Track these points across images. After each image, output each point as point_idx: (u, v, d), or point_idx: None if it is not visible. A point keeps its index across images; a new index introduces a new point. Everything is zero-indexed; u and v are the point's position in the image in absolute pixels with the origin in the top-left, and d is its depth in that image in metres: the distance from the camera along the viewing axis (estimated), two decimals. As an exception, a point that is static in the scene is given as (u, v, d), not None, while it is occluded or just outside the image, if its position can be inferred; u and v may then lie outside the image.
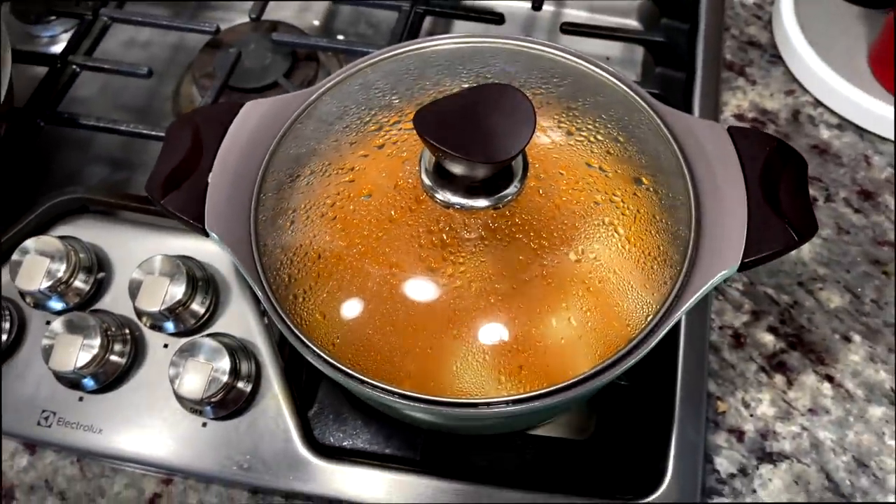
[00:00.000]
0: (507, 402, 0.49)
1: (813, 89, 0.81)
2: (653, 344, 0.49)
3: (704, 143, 0.55)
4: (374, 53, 0.61)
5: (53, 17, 0.90)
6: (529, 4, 0.83)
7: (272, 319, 0.51)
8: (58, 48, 0.90)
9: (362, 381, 0.48)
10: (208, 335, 0.62)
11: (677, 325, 0.62)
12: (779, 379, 0.65)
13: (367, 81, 0.61)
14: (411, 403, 0.48)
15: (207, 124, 0.56)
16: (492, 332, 0.57)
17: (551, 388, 0.49)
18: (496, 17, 0.80)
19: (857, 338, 0.66)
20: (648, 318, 0.56)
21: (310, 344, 0.49)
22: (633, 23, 0.91)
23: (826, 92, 0.80)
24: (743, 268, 0.49)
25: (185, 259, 0.64)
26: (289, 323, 0.50)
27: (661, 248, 0.60)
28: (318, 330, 0.57)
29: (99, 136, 0.79)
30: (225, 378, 0.58)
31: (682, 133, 0.56)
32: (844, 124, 0.79)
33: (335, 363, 0.48)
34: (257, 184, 0.56)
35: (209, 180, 0.54)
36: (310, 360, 0.49)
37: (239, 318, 0.65)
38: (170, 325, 0.63)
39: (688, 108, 0.78)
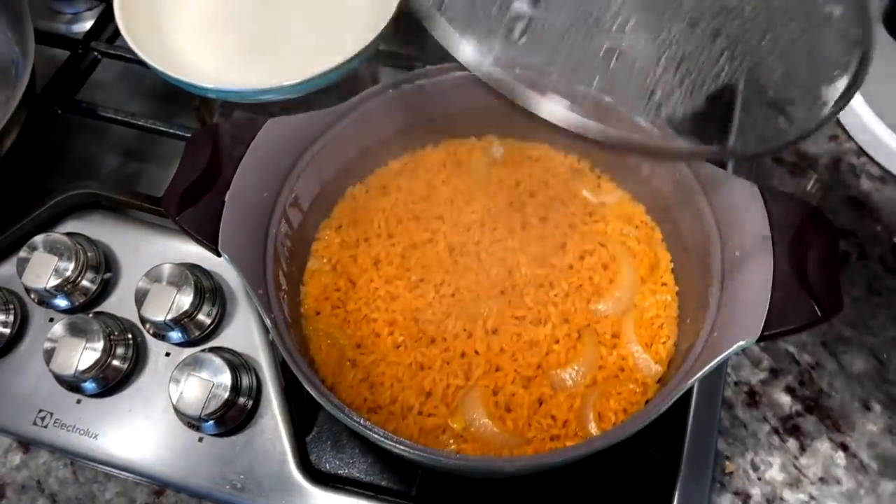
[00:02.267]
0: (515, 462, 0.50)
1: (857, 137, 0.81)
2: (663, 409, 0.50)
3: (736, 201, 0.56)
4: (399, 78, 0.63)
5: (78, -6, 0.92)
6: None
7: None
8: (80, 26, 0.92)
9: (372, 431, 0.49)
10: (211, 349, 0.64)
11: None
12: (792, 443, 0.66)
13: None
14: (418, 454, 0.49)
15: (228, 139, 0.58)
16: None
17: (560, 449, 0.51)
18: (533, 36, 0.81)
19: (877, 407, 0.67)
20: (660, 381, 0.58)
21: (327, 395, 0.51)
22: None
23: (871, 141, 0.80)
24: (762, 339, 0.50)
25: (193, 267, 0.66)
26: (298, 363, 0.51)
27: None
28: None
29: (115, 125, 0.81)
30: (225, 395, 0.60)
31: (714, 188, 0.57)
32: (887, 177, 0.79)
33: (349, 415, 0.50)
34: (278, 208, 0.58)
35: (226, 199, 0.55)
36: (321, 402, 0.50)
37: (243, 332, 0.67)
38: (174, 335, 0.65)
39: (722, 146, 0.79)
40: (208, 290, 0.66)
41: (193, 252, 0.68)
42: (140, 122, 0.76)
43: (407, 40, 0.81)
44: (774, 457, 0.65)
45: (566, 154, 0.70)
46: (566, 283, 0.63)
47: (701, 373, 0.50)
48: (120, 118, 0.76)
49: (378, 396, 0.58)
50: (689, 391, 0.64)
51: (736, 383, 0.68)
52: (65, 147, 0.82)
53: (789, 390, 0.68)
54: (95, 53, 0.81)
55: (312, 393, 0.51)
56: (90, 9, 0.93)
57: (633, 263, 0.64)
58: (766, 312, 0.50)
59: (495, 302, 0.62)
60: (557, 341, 0.60)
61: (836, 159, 0.81)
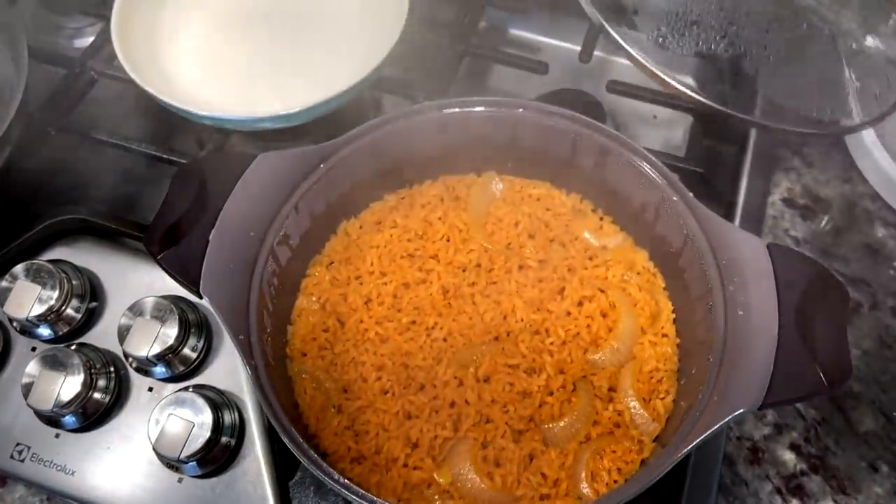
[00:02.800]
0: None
1: (873, 181, 0.79)
2: (658, 477, 0.48)
3: (742, 257, 0.53)
4: (394, 114, 0.61)
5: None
6: (578, 49, 0.81)
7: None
8: (81, 41, 0.91)
9: (350, 491, 0.47)
10: (194, 387, 0.62)
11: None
12: (794, 504, 0.63)
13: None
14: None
15: (215, 174, 0.56)
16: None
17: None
18: (540, 67, 0.79)
19: (884, 468, 0.64)
20: (657, 439, 0.55)
21: (305, 450, 0.49)
22: (688, 80, 0.88)
23: (887, 186, 0.77)
24: (763, 408, 0.48)
25: (178, 300, 0.64)
26: (278, 415, 0.49)
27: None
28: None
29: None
30: (207, 434, 0.58)
31: (720, 241, 0.55)
32: (903, 224, 0.77)
33: (328, 472, 0.48)
34: (265, 247, 0.56)
35: (210, 238, 0.53)
36: (298, 457, 0.48)
37: (229, 367, 0.65)
38: (157, 370, 0.63)
39: (734, 189, 0.76)
40: (194, 323, 0.64)
41: (181, 283, 0.66)
42: (134, 147, 0.75)
43: (410, 67, 0.79)
44: (776, 518, 0.62)
45: (568, 193, 0.67)
46: (563, 331, 0.60)
47: (698, 440, 0.48)
48: (113, 141, 0.75)
49: (362, 446, 0.56)
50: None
51: (738, 438, 0.66)
52: (59, 167, 0.80)
53: (794, 447, 0.65)
54: (92, 73, 0.79)
55: (290, 447, 0.49)
56: (92, 24, 0.91)
57: (634, 312, 0.61)
58: (769, 380, 0.48)
59: (488, 348, 0.59)
60: (551, 393, 0.58)
61: (850, 203, 0.78)
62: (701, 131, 0.79)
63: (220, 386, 0.63)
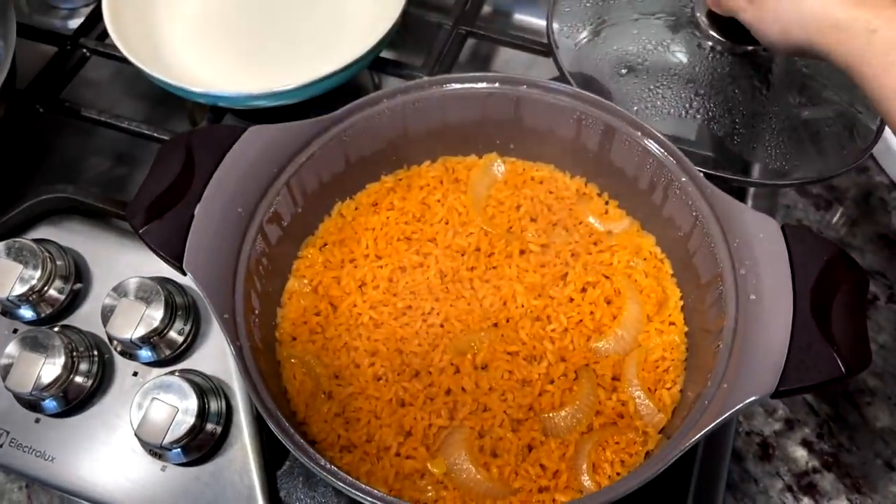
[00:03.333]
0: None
1: (890, 170, 0.76)
2: (663, 468, 0.45)
3: (754, 238, 0.51)
4: (393, 89, 0.59)
5: (75, -10, 0.89)
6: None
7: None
8: (76, 22, 0.88)
9: (336, 478, 0.44)
10: (180, 371, 0.60)
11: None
12: (806, 502, 0.60)
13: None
14: None
15: (203, 148, 0.54)
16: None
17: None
18: (543, 49, 0.77)
19: (902, 466, 0.62)
20: (662, 431, 0.53)
21: (290, 434, 0.46)
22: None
23: (904, 175, 0.75)
24: (777, 395, 0.45)
25: (165, 282, 0.61)
26: (262, 397, 0.47)
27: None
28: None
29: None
30: (191, 421, 0.56)
31: (731, 222, 0.52)
32: (921, 214, 0.74)
33: (314, 458, 0.45)
34: (253, 224, 0.54)
35: (195, 212, 0.51)
36: (283, 441, 0.46)
37: (217, 353, 0.62)
38: (143, 354, 0.61)
39: (745, 174, 0.73)
40: (181, 306, 0.61)
41: (170, 265, 0.64)
42: (124, 125, 0.72)
43: (411, 49, 0.77)
44: (787, 517, 0.60)
45: (572, 176, 0.65)
46: (565, 318, 0.58)
47: (706, 430, 0.45)
48: (104, 119, 0.73)
49: (353, 434, 0.54)
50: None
51: (747, 433, 0.63)
52: (52, 147, 0.79)
53: (806, 444, 0.63)
54: (84, 50, 0.77)
55: (274, 430, 0.46)
56: (87, 4, 0.90)
57: (640, 299, 0.59)
58: (783, 366, 0.45)
59: (487, 335, 0.57)
60: (552, 381, 0.55)
61: (865, 193, 0.75)
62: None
63: (208, 372, 0.61)
